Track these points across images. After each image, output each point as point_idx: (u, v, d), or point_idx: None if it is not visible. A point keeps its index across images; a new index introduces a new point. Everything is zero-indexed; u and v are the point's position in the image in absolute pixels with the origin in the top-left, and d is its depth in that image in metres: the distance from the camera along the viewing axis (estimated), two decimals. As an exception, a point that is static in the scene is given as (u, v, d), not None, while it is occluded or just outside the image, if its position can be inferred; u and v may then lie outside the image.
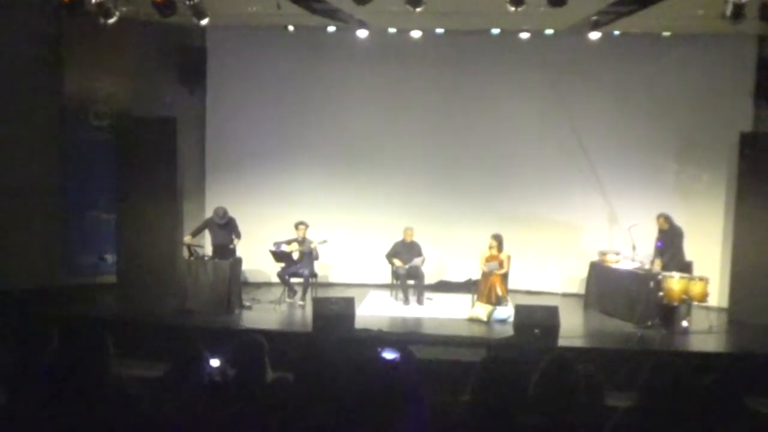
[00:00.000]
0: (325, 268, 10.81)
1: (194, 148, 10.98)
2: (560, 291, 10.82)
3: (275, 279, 10.04)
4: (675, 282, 8.70)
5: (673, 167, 10.68)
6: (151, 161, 9.54)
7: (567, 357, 3.34)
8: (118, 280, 9.82)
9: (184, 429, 3.29)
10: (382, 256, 10.35)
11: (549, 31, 10.21)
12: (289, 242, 9.90)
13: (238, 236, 9.62)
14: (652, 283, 8.82)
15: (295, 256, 9.83)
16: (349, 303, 8.39)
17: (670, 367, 3.27)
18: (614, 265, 9.77)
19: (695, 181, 10.59)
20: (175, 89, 10.78)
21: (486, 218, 10.60)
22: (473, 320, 9.12)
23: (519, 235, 10.37)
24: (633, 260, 9.56)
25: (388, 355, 4.00)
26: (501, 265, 9.57)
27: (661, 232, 9.39)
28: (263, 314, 9.23)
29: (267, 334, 6.71)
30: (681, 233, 9.38)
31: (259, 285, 10.66)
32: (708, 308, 9.27)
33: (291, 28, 10.34)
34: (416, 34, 10.48)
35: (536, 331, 7.87)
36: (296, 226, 9.91)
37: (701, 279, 8.76)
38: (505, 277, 9.63)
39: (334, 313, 8.19)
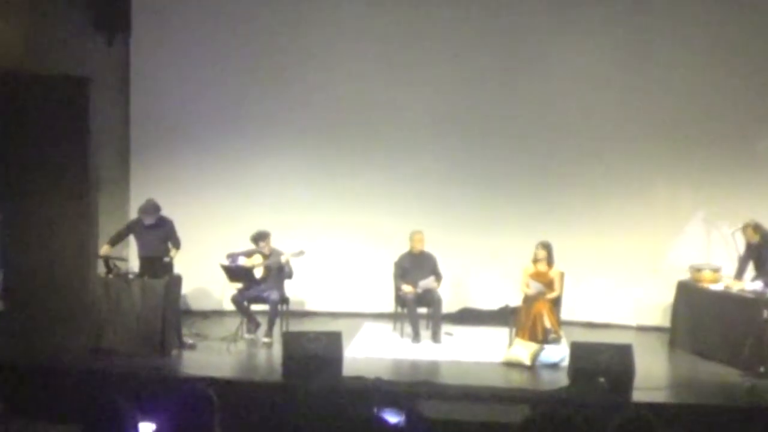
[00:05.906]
0: (300, 291, 10.78)
1: (114, 119, 10.99)
2: (635, 323, 10.85)
3: (229, 306, 10.03)
4: (799, 310, 8.66)
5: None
6: (53, 138, 9.57)
7: (645, 417, 3.46)
8: (4, 306, 9.82)
9: None
10: (382, 275, 10.35)
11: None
12: (249, 254, 9.89)
13: (177, 245, 9.65)
14: (766, 312, 8.78)
15: (258, 273, 9.82)
16: (335, 340, 8.42)
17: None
18: (712, 287, 9.74)
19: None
20: (87, 37, 10.72)
21: (528, 221, 10.62)
22: (511, 364, 9.11)
23: (575, 245, 10.39)
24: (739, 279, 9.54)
25: (390, 416, 4.00)
26: (551, 286, 9.61)
27: None
28: (212, 356, 9.24)
29: (217, 383, 6.69)
30: None
31: (206, 314, 10.73)
32: None
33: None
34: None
35: (601, 379, 7.90)
36: (254, 241, 9.85)
37: (836, 307, 8.73)
38: (556, 303, 9.66)
39: (312, 355, 8.21)
